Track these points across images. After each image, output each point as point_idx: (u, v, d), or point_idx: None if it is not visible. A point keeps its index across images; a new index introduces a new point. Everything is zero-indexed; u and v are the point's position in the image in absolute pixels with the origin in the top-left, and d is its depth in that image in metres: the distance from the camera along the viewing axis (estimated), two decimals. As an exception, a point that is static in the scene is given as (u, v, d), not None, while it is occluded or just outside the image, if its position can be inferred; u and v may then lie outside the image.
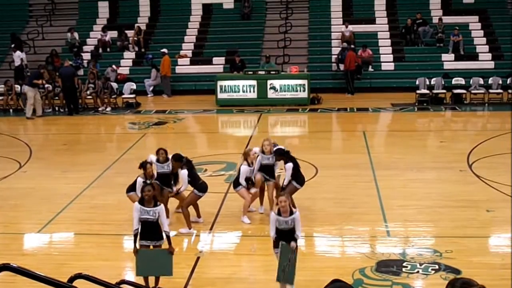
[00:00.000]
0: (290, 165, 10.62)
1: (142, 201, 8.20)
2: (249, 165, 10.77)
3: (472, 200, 11.73)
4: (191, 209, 10.61)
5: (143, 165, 10.14)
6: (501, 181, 12.47)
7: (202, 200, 11.93)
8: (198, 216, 10.80)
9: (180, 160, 10.42)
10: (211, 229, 10.65)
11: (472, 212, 11.10)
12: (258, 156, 11.08)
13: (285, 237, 7.75)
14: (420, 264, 8.93)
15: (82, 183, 13.35)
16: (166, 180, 10.73)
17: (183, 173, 10.27)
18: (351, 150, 16.23)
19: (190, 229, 10.43)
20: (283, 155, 10.77)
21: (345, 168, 14.11)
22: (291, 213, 7.76)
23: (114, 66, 24.92)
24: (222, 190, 12.49)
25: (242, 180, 10.66)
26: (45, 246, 10.38)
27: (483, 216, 10.87)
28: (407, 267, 8.87)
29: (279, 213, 7.79)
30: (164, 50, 24.54)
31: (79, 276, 5.29)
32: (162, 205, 8.36)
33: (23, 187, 13.37)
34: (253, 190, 10.91)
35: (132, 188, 10.27)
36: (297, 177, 10.74)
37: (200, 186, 10.43)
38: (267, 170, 11.19)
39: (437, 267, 8.83)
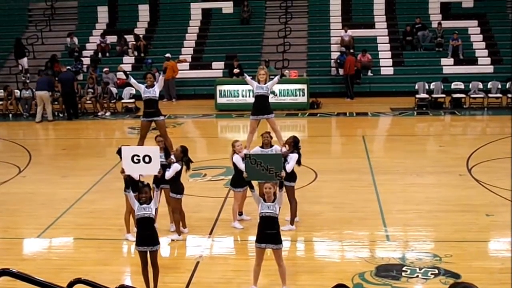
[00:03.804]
0: (295, 155, 10.34)
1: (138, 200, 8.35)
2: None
3: (472, 204, 11.72)
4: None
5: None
6: (501, 186, 12.47)
7: (202, 204, 11.99)
8: (183, 226, 10.62)
9: (184, 153, 10.33)
10: (210, 233, 10.64)
11: (472, 216, 11.09)
12: (253, 81, 11.52)
13: (267, 225, 8.09)
14: (420, 269, 8.92)
15: (81, 188, 13.35)
16: (152, 103, 12.44)
17: (176, 165, 10.19)
18: (351, 155, 16.23)
19: (179, 236, 10.37)
20: (296, 144, 10.53)
21: (344, 172, 14.11)
22: (274, 200, 8.16)
23: (106, 69, 24.87)
24: (222, 194, 12.48)
25: (241, 166, 9.94)
26: (45, 251, 10.36)
27: (482, 221, 10.86)
28: (406, 271, 8.85)
29: (263, 199, 8.19)
30: (168, 55, 24.56)
31: (78, 281, 5.28)
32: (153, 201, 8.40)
33: (23, 192, 13.37)
34: (244, 151, 10.54)
35: (127, 185, 9.96)
36: (291, 173, 10.30)
37: (176, 188, 10.28)
38: (262, 103, 11.32)
39: (436, 271, 8.82)
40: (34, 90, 22.36)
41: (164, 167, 9.83)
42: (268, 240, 8.11)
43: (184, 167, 10.33)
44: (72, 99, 22.09)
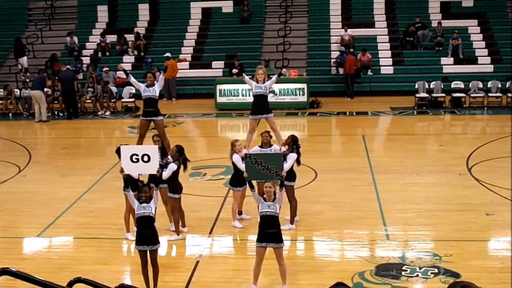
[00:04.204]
0: (294, 155, 10.31)
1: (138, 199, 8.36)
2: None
3: (472, 203, 11.72)
4: None
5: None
6: (501, 185, 12.47)
7: (201, 203, 11.99)
8: (183, 225, 10.63)
9: (180, 152, 10.32)
10: (210, 233, 10.64)
11: (472, 215, 11.09)
12: (252, 82, 11.56)
13: (268, 224, 8.10)
14: (420, 268, 8.92)
15: (81, 187, 13.35)
16: (151, 103, 12.59)
17: (172, 165, 10.18)
18: (351, 154, 16.22)
19: (178, 235, 10.37)
20: (295, 142, 10.50)
21: (344, 172, 14.11)
22: (274, 199, 8.17)
23: (106, 68, 24.87)
24: (221, 194, 12.48)
25: (241, 166, 9.98)
26: (45, 250, 10.36)
27: (482, 220, 10.86)
28: (406, 270, 8.86)
29: (264, 199, 8.22)
30: (168, 54, 24.57)
31: (78, 280, 5.28)
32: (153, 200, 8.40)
33: (23, 191, 13.36)
34: (244, 151, 10.53)
35: (127, 184, 9.85)
36: (290, 173, 10.26)
37: (174, 187, 10.27)
38: (261, 102, 11.37)
39: (436, 270, 8.83)
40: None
41: (161, 167, 9.83)
42: (269, 239, 8.12)
43: (182, 166, 10.32)
44: (72, 98, 22.08)
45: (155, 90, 12.59)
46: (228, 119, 21.55)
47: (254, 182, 8.92)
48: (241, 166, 9.79)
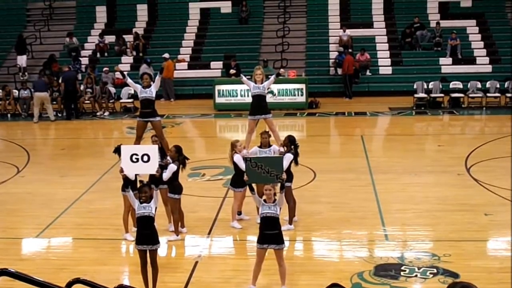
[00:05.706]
0: (289, 155, 10.28)
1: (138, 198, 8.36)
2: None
3: (470, 204, 11.74)
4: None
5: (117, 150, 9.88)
6: (499, 185, 12.48)
7: (200, 204, 11.99)
8: (182, 225, 10.63)
9: (179, 152, 10.32)
10: (209, 233, 10.64)
11: (470, 215, 11.10)
12: (250, 82, 11.54)
13: (268, 225, 8.13)
14: (419, 268, 8.93)
15: (80, 188, 13.34)
16: (148, 104, 12.12)
17: (172, 166, 10.18)
18: (349, 154, 16.23)
19: (177, 235, 10.38)
20: (292, 142, 10.48)
21: (343, 172, 14.11)
22: (274, 200, 8.22)
23: (106, 68, 24.85)
24: (220, 194, 12.48)
25: (242, 166, 9.90)
26: (44, 251, 10.36)
27: (481, 220, 10.87)
28: (405, 271, 8.86)
29: (264, 200, 8.27)
30: (166, 55, 24.55)
31: (77, 281, 5.27)
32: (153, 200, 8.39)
33: (21, 192, 13.36)
34: (244, 151, 10.57)
35: (127, 184, 9.82)
36: (287, 173, 10.02)
37: (174, 188, 10.27)
38: (259, 103, 11.38)
39: (435, 271, 8.83)
40: (32, 89, 22.24)
41: (161, 167, 9.82)
42: (270, 240, 8.13)
43: (180, 165, 10.32)
44: (73, 98, 22.05)
45: (152, 91, 12.45)
46: (226, 120, 21.55)
47: (253, 184, 8.92)
48: (243, 166, 9.77)
